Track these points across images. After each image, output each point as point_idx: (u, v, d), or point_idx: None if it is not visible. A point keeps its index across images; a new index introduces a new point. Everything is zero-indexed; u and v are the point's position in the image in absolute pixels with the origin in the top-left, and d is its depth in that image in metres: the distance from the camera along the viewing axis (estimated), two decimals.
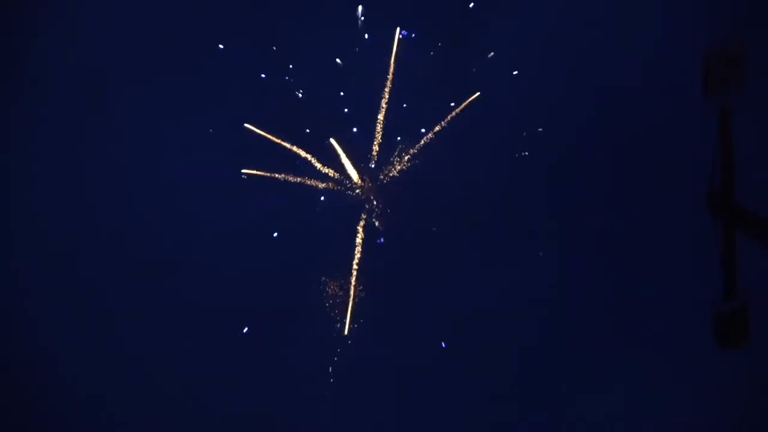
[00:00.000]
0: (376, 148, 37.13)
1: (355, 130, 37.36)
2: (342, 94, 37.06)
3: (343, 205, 37.66)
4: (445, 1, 36.79)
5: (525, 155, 36.03)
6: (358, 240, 36.87)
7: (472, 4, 36.29)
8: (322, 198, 37.43)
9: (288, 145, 36.88)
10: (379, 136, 36.98)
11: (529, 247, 35.64)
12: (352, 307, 36.28)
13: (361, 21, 36.33)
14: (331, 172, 37.23)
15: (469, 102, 36.40)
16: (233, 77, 36.87)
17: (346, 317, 36.22)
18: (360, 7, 36.42)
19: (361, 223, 37.27)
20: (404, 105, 37.15)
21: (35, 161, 35.73)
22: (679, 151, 32.18)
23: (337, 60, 36.83)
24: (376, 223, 37.28)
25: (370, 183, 37.32)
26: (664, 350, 32.83)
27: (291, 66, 37.17)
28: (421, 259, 36.56)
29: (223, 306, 35.85)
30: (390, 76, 36.43)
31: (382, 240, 37.27)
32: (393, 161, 37.29)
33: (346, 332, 36.15)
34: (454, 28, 36.70)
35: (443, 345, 35.70)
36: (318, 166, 37.10)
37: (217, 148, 36.72)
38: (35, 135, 35.51)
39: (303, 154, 36.96)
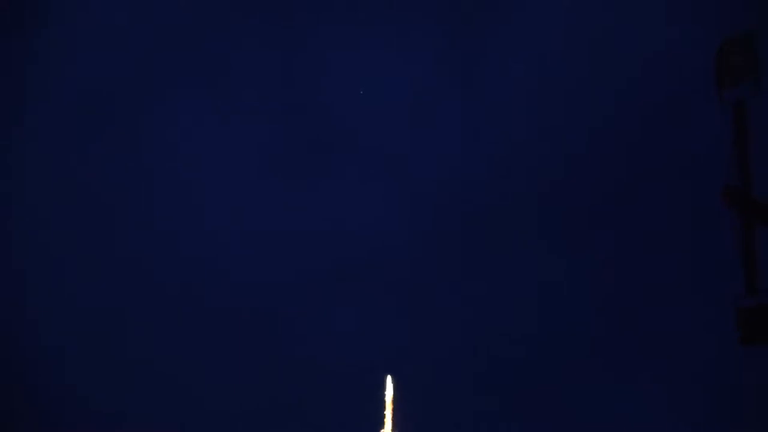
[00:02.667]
0: None
1: None
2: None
3: None
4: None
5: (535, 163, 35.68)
6: None
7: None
8: None
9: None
10: None
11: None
12: None
13: None
14: None
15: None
16: (253, 91, 36.86)
17: None
18: None
19: None
20: None
21: (45, 170, 35.91)
22: (693, 146, 31.95)
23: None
24: None
25: None
26: (681, 346, 32.61)
27: (315, 82, 36.89)
28: None
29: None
30: None
31: None
32: None
33: None
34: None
35: None
36: None
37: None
38: (41, 145, 35.68)
39: None
